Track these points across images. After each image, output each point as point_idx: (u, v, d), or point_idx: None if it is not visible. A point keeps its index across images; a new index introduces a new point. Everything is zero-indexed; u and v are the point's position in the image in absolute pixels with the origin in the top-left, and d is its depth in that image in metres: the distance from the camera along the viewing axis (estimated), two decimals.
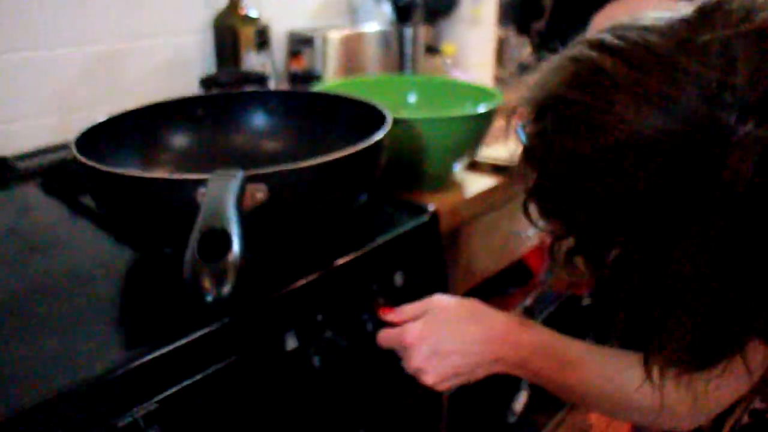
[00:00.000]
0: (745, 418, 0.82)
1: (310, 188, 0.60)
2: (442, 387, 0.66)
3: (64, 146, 1.06)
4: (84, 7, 1.11)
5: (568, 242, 0.53)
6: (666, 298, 0.49)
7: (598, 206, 0.47)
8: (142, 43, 1.21)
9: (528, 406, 1.53)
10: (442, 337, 0.65)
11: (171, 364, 0.54)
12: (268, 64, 1.21)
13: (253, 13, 1.25)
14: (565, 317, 1.37)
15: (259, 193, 0.56)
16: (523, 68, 1.72)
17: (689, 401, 0.60)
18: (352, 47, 1.36)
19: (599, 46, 0.48)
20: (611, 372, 0.67)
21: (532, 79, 0.53)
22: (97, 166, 0.57)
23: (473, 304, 0.69)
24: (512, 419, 1.50)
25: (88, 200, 0.84)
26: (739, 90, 0.42)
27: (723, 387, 0.61)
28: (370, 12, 1.55)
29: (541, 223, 0.53)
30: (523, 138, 0.54)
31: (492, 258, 1.12)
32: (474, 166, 1.10)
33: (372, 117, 0.76)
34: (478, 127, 0.95)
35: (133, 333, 0.57)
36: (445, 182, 0.99)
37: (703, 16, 0.45)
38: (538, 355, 0.66)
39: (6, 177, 0.96)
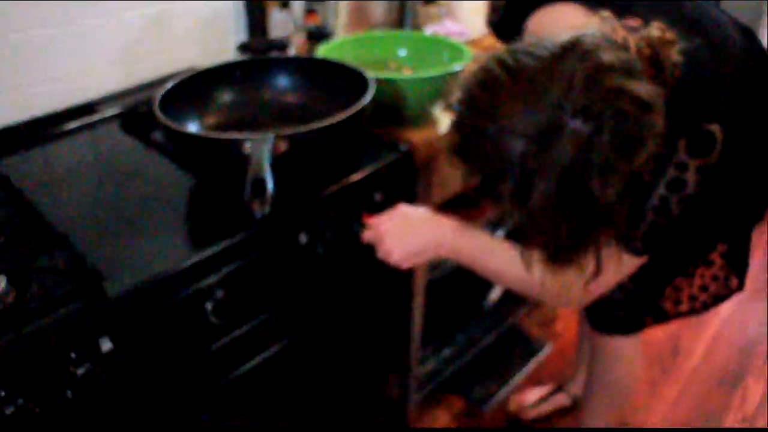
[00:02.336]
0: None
1: (315, 140, 0.95)
2: (405, 264, 1.03)
3: (130, 91, 1.42)
4: None
5: (476, 182, 0.86)
6: (531, 220, 0.83)
7: (491, 160, 0.80)
8: (188, 2, 1.53)
9: (502, 295, 1.92)
10: (403, 230, 1.02)
11: (231, 252, 0.92)
12: (289, 21, 1.52)
13: None
14: None
15: (283, 145, 0.92)
16: (494, 8, 1.83)
17: (558, 286, 0.96)
18: (360, 1, 1.66)
19: (500, 62, 0.79)
20: (512, 261, 1.02)
21: (462, 77, 0.85)
22: (180, 128, 0.93)
23: (427, 210, 1.05)
24: (487, 307, 1.90)
25: (157, 136, 1.20)
26: (573, 100, 0.73)
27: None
28: None
29: (460, 166, 0.87)
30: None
31: (460, 179, 1.46)
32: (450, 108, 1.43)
33: (362, 76, 1.11)
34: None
35: (198, 236, 0.95)
36: (422, 121, 1.32)
37: (563, 51, 0.76)
38: (466, 239, 1.02)
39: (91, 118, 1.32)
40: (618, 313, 1.35)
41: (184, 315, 0.89)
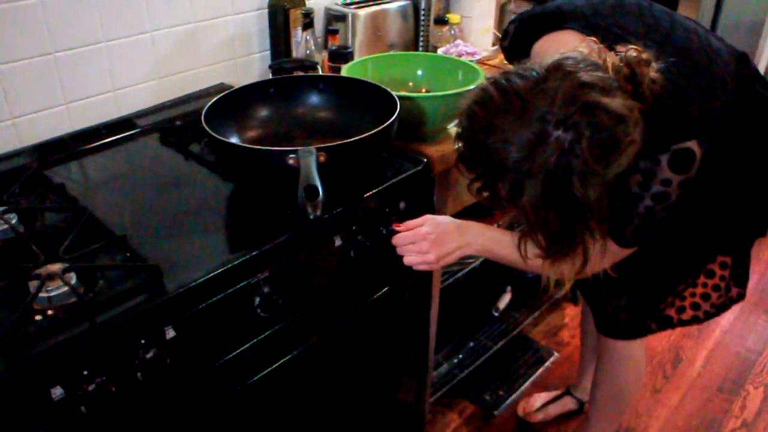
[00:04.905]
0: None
1: (351, 152, 1.09)
2: (438, 265, 1.16)
3: (164, 106, 1.55)
4: None
5: (479, 185, 1.00)
6: (525, 216, 0.96)
7: (489, 166, 0.94)
8: (215, 22, 1.67)
9: (510, 304, 2.05)
10: (438, 233, 1.15)
11: (278, 250, 1.05)
12: (311, 41, 1.66)
13: None
14: None
15: (322, 156, 1.05)
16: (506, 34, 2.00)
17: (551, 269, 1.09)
18: (376, 21, 1.81)
19: (495, 83, 0.94)
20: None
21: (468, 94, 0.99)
22: (231, 142, 1.06)
23: (452, 218, 1.19)
24: (496, 314, 2.03)
25: (194, 148, 1.34)
26: (555, 114, 0.88)
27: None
28: None
29: (465, 173, 1.01)
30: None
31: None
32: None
33: (387, 94, 1.25)
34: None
35: (242, 237, 1.08)
36: (440, 136, 1.46)
37: (548, 72, 0.91)
38: (487, 239, 1.16)
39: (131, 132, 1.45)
40: (623, 318, 1.48)
41: (234, 307, 1.02)
